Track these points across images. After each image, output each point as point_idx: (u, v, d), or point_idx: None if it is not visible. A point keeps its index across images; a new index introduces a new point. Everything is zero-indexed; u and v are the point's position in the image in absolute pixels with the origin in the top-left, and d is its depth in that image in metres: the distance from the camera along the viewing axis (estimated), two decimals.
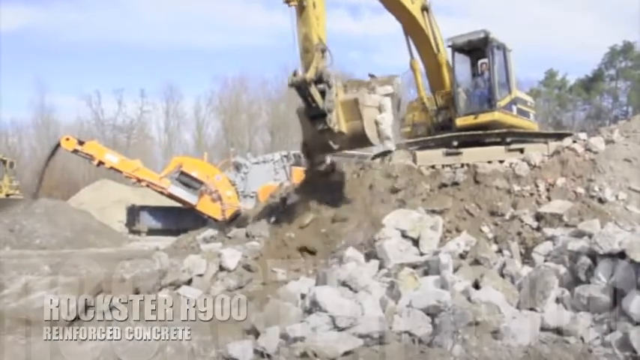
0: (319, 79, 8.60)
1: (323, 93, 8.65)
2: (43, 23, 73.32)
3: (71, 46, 75.61)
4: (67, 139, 20.84)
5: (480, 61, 12.53)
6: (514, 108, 12.28)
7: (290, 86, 8.92)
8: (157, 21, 76.05)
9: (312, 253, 8.67)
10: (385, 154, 9.80)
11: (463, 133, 11.72)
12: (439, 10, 12.86)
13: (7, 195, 28.39)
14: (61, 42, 73.93)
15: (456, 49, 12.48)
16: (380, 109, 9.23)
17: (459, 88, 12.55)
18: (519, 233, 8.04)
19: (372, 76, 9.91)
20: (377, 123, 9.11)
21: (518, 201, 8.85)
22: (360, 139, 9.08)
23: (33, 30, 72.68)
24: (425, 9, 12.38)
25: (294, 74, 8.69)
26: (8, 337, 6.01)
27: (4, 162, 30.27)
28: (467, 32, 12.50)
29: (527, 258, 7.07)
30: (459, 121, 12.26)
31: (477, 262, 6.64)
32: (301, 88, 8.70)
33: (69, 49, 74.19)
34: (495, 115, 11.91)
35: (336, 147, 9.20)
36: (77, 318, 6.71)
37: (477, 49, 12.42)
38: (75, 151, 20.81)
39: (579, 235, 6.81)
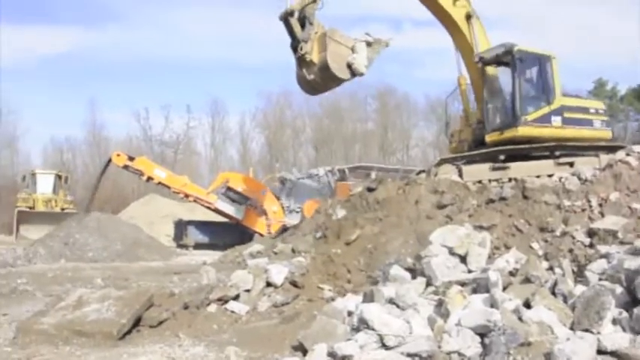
0: (303, 19, 10.07)
1: None
2: (94, 44, 76.39)
3: (121, 65, 78.44)
4: (118, 155, 21.61)
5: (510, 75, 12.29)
6: (556, 119, 11.85)
7: (280, 20, 10.18)
8: (202, 38, 78.07)
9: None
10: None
11: (509, 147, 11.55)
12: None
13: (62, 209, 29.51)
14: (112, 61, 76.71)
15: (485, 63, 12.34)
16: (353, 49, 10.40)
17: (489, 103, 12.39)
18: (571, 250, 7.83)
19: (367, 34, 10.94)
20: (349, 63, 10.31)
21: (569, 217, 8.63)
22: (326, 70, 10.20)
23: (85, 51, 75.68)
24: (469, 16, 12.31)
25: None
26: (66, 348, 6.20)
27: (60, 177, 31.49)
28: (494, 46, 12.36)
29: (580, 276, 6.87)
30: (488, 137, 12.13)
31: (527, 280, 6.47)
32: (287, 20, 10.11)
33: (119, 67, 76.82)
34: (519, 131, 11.61)
35: (310, 77, 10.43)
36: (129, 331, 6.90)
37: (504, 62, 12.21)
38: (125, 167, 21.55)
39: (636, 252, 6.57)
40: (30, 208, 29.15)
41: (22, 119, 73.51)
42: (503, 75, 12.54)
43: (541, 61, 12.13)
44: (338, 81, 10.74)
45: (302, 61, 10.28)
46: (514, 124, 11.70)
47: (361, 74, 10.47)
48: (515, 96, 11.76)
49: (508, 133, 11.79)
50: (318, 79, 10.54)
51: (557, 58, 12.19)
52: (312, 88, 11.09)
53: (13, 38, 76.23)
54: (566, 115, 12.05)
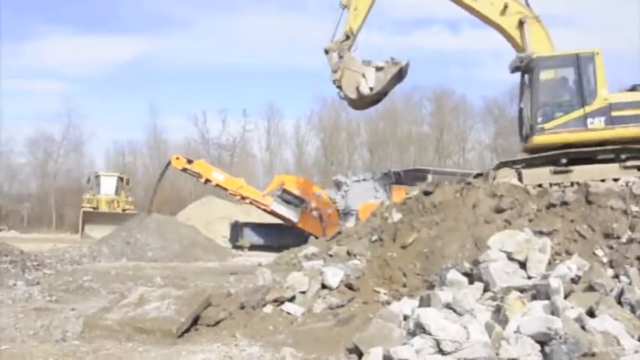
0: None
1: None
2: (155, 51, 78.63)
3: (180, 71, 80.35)
4: (177, 158, 22.20)
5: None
6: (595, 120, 11.17)
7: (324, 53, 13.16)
8: (258, 44, 79.17)
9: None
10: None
11: (572, 150, 11.16)
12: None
13: (124, 210, 30.53)
14: (171, 68, 78.83)
15: (522, 72, 12.17)
16: (364, 75, 12.71)
17: (522, 111, 12.19)
18: (638, 258, 7.51)
19: (392, 58, 13.11)
20: (357, 86, 12.76)
21: (636, 223, 8.27)
22: (344, 92, 13.01)
23: (147, 58, 78.09)
24: (522, 22, 12.07)
25: None
26: (128, 344, 6.43)
27: (122, 179, 32.60)
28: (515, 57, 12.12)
29: None
30: (522, 146, 12.15)
31: (590, 287, 6.24)
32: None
33: (178, 74, 78.85)
34: (534, 140, 11.45)
35: (341, 97, 13.36)
36: (187, 330, 7.07)
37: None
38: (184, 170, 22.11)
39: None
40: (94, 208, 30.31)
41: (87, 124, 76.66)
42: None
43: (577, 62, 11.50)
44: (354, 101, 13.37)
45: (337, 87, 13.05)
46: (531, 133, 11.57)
47: (365, 94, 12.80)
48: (531, 105, 11.66)
49: (529, 143, 11.71)
50: (345, 99, 13.42)
51: (600, 54, 11.41)
52: (349, 105, 14.28)
53: (81, 47, 79.45)
54: (616, 113, 11.22)
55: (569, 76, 11.70)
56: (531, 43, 11.99)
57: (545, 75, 11.69)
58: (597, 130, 11.20)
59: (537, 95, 11.57)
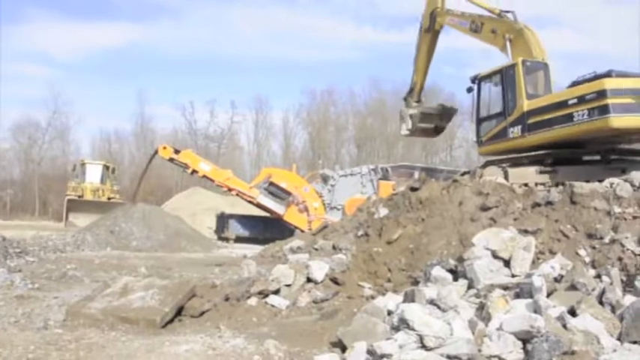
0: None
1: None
2: (144, 39, 78.07)
3: (169, 59, 79.83)
4: (164, 148, 22.06)
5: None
6: (514, 129, 11.43)
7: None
8: (248, 36, 78.93)
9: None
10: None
11: (559, 150, 11.24)
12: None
13: (109, 198, 30.33)
14: (161, 56, 78.27)
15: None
16: (404, 120, 16.43)
17: None
18: (620, 259, 7.58)
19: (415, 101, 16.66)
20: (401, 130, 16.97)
21: (619, 224, 8.35)
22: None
23: (136, 46, 77.44)
24: (509, 40, 12.32)
25: None
26: (111, 333, 6.40)
27: (107, 168, 32.37)
28: None
29: (629, 286, 6.64)
30: None
31: (573, 287, 6.30)
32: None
33: (167, 62, 78.33)
34: (478, 150, 12.99)
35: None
36: (171, 320, 7.05)
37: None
38: (171, 160, 21.99)
39: None
40: (79, 196, 30.08)
41: (74, 110, 75.83)
42: None
43: (503, 75, 11.86)
44: (420, 134, 17.46)
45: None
46: (476, 144, 12.88)
47: (403, 134, 17.06)
48: (475, 120, 12.73)
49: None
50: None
51: (519, 64, 11.53)
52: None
53: (70, 33, 78.67)
54: (531, 120, 11.18)
55: (501, 89, 12.08)
56: (513, 58, 12.16)
57: (491, 90, 12.44)
58: (516, 138, 11.51)
59: (478, 111, 12.57)
